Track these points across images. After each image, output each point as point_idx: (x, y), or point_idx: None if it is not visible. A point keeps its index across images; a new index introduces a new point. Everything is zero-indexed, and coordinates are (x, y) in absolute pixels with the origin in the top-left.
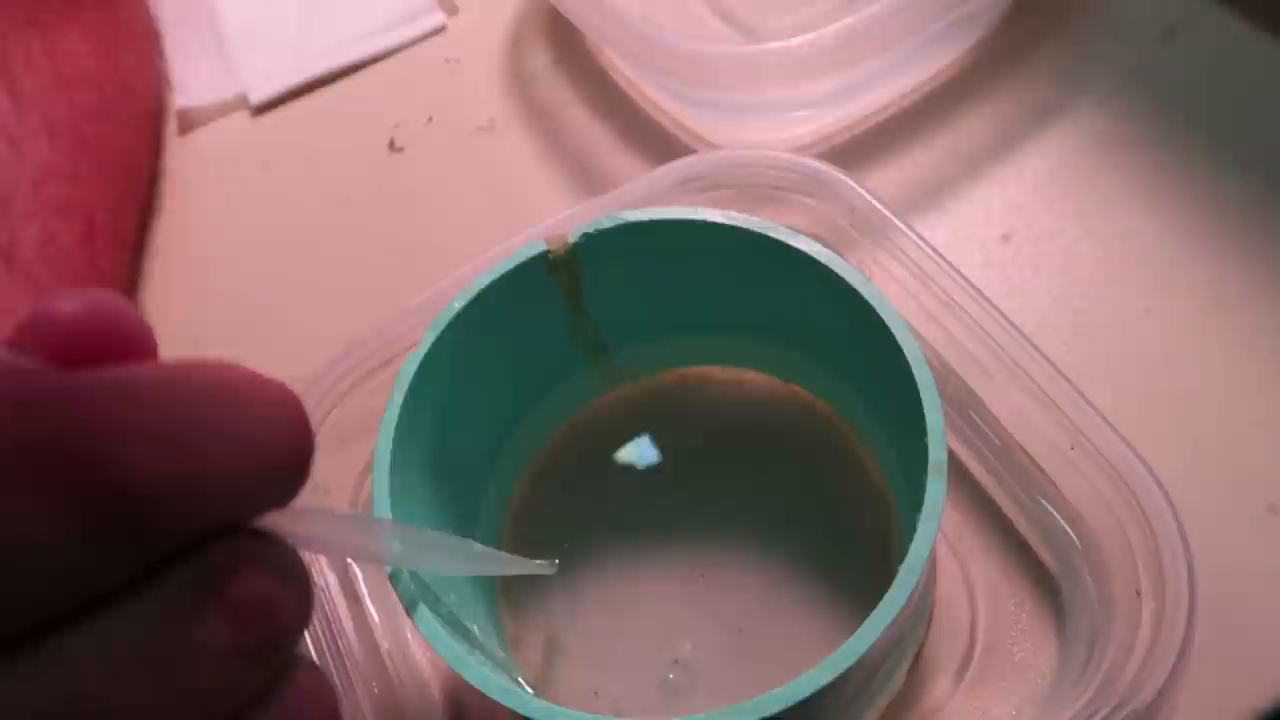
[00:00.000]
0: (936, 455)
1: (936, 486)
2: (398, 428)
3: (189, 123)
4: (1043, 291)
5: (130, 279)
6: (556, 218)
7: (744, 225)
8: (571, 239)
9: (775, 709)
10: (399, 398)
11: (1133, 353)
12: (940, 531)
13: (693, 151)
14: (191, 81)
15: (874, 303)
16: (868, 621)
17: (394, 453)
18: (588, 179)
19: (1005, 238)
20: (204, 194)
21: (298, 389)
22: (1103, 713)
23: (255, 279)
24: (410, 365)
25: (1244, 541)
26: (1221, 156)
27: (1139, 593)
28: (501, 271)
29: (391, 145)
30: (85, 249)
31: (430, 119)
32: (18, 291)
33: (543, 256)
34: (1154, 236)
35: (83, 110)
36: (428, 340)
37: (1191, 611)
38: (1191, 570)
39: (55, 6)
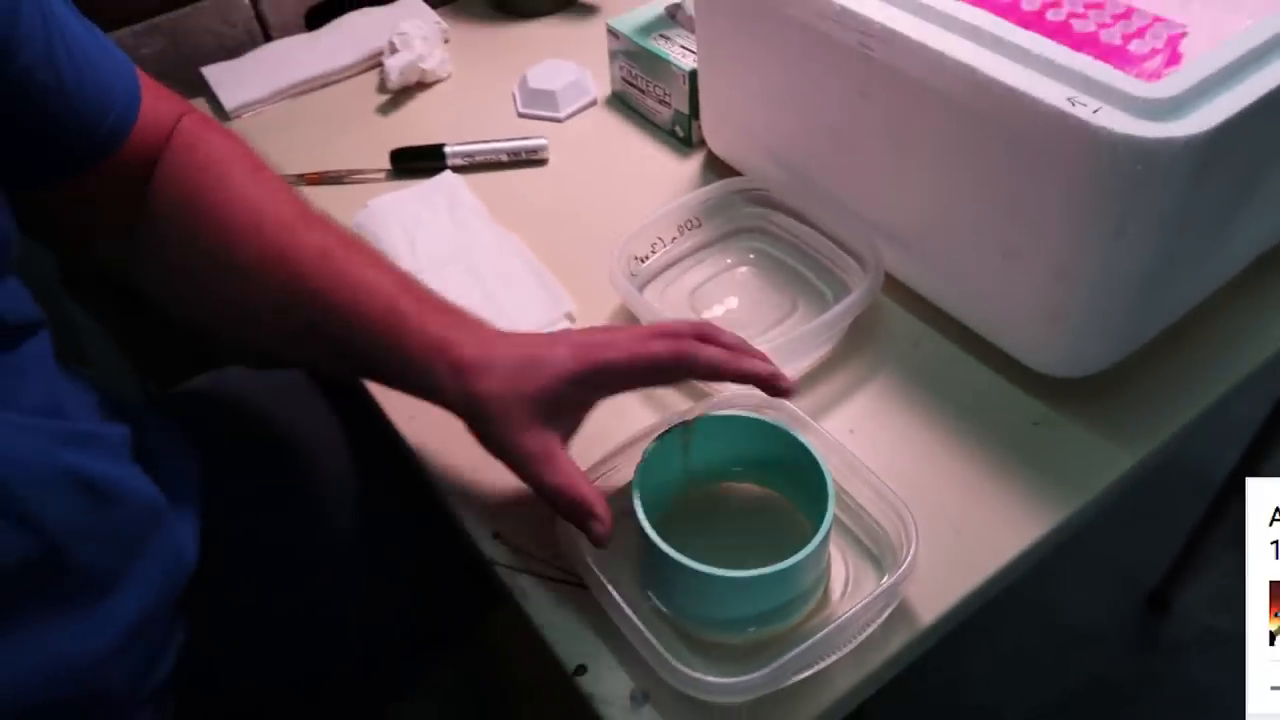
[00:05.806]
0: (830, 491)
1: (830, 507)
2: (640, 497)
3: None
4: (876, 460)
5: None
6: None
7: (750, 416)
8: (693, 418)
9: (778, 568)
10: (639, 485)
11: (908, 478)
12: (830, 544)
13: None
14: None
15: (805, 442)
16: (814, 539)
17: (643, 507)
18: None
19: (852, 431)
20: None
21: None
22: (885, 587)
23: None
24: (640, 472)
25: (940, 547)
26: (944, 394)
27: (902, 542)
28: (667, 427)
29: None
30: None
31: None
32: None
33: (683, 425)
34: (926, 430)
35: None
36: (640, 465)
37: (915, 553)
38: (917, 537)
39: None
